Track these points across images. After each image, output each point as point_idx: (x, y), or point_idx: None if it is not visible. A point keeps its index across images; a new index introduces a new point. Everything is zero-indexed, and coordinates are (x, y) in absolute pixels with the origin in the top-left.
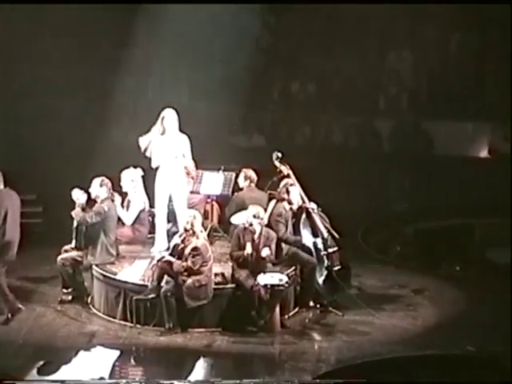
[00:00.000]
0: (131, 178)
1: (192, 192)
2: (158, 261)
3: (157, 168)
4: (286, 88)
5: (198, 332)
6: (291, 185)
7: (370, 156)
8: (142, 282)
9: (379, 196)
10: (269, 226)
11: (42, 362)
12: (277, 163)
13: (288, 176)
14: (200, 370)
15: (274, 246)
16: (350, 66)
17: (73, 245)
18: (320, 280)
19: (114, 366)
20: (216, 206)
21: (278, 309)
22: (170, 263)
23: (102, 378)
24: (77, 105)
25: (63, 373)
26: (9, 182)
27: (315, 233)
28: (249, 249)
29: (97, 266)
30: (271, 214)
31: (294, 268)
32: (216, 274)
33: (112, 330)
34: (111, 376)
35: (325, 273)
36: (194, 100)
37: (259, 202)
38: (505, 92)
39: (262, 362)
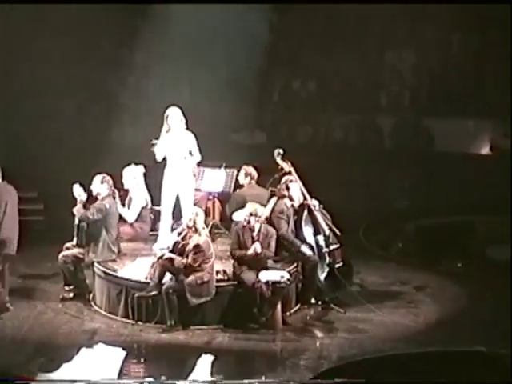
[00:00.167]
0: (133, 175)
1: (194, 189)
2: (159, 258)
3: (162, 165)
4: (287, 86)
5: (200, 329)
6: (291, 181)
7: (372, 154)
8: (143, 280)
9: (381, 193)
10: (270, 223)
11: (43, 360)
12: (278, 160)
13: (289, 173)
14: (202, 367)
15: (273, 243)
16: (350, 65)
17: (74, 242)
18: (322, 277)
19: (115, 363)
20: (217, 203)
21: (279, 306)
22: (171, 260)
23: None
24: (78, 104)
25: (65, 370)
26: (10, 179)
27: (317, 230)
28: (258, 248)
29: (98, 263)
30: (273, 211)
31: (295, 265)
32: (217, 272)
33: (113, 327)
34: (112, 373)
35: (326, 270)
36: (195, 98)
37: (260, 199)
38: (505, 89)
39: (263, 358)
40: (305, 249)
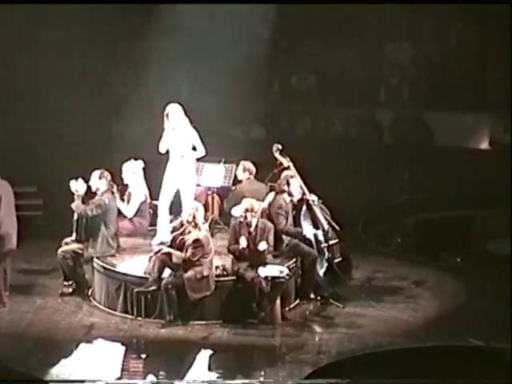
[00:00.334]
0: (133, 170)
1: None
2: (156, 253)
3: (162, 160)
4: (286, 80)
5: (199, 324)
6: (291, 177)
7: (371, 148)
8: (142, 275)
9: (379, 188)
10: (269, 218)
11: (42, 355)
12: (277, 155)
13: (288, 168)
14: (201, 362)
15: (271, 237)
16: (350, 58)
17: (73, 237)
18: (321, 272)
19: (114, 358)
20: (217, 198)
21: (278, 301)
22: (170, 255)
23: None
24: (77, 98)
25: (64, 365)
26: (9, 173)
27: (316, 225)
28: (243, 242)
29: (97, 258)
30: (271, 206)
31: (294, 260)
32: (216, 267)
33: (113, 322)
34: (111, 368)
35: (325, 265)
36: (194, 93)
37: (259, 194)
38: (505, 84)
39: (262, 354)
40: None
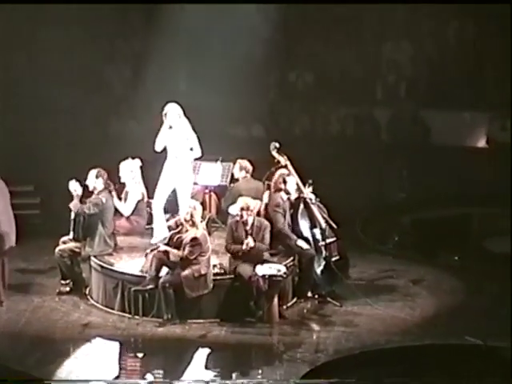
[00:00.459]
0: (130, 169)
1: None
2: (152, 250)
3: (159, 159)
4: (285, 79)
5: (197, 323)
6: (288, 175)
7: (368, 147)
8: (140, 273)
9: (377, 186)
10: (267, 216)
11: (40, 353)
12: (275, 154)
13: (286, 166)
14: (198, 360)
15: (267, 235)
16: (349, 57)
17: (71, 236)
18: (318, 270)
19: (112, 357)
20: (214, 196)
21: (276, 299)
22: (167, 253)
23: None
24: (75, 96)
25: (61, 364)
26: (6, 172)
27: (313, 223)
28: (251, 243)
29: (95, 257)
30: (269, 204)
31: (292, 258)
32: (214, 265)
33: (110, 321)
34: (109, 367)
35: (323, 263)
36: (192, 92)
37: (256, 193)
38: (503, 82)
39: (260, 352)
40: (301, 242)
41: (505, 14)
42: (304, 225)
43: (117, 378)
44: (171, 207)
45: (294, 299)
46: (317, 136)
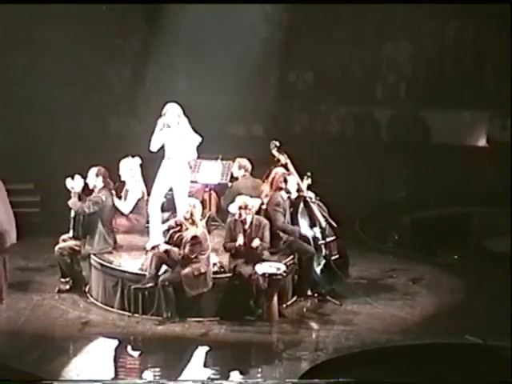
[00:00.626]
0: (130, 167)
1: (190, 181)
2: (153, 248)
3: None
4: (284, 77)
5: (196, 321)
6: (289, 174)
7: (368, 146)
8: (139, 271)
9: (377, 185)
10: (266, 215)
11: (39, 351)
12: (275, 152)
13: (286, 165)
14: (198, 359)
15: (267, 234)
16: (348, 56)
17: (70, 234)
18: (318, 269)
19: (111, 355)
20: (214, 195)
21: (275, 298)
22: (167, 251)
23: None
24: (75, 94)
25: (61, 362)
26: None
27: (313, 222)
28: (240, 240)
29: (94, 255)
30: (269, 203)
31: (291, 257)
32: (214, 264)
33: (110, 319)
34: (108, 365)
35: (323, 262)
36: (192, 90)
37: (255, 191)
38: (503, 81)
39: (259, 350)
40: (305, 231)
41: (505, 14)
42: (304, 223)
43: (116, 376)
44: (170, 205)
45: (294, 298)
46: (317, 135)
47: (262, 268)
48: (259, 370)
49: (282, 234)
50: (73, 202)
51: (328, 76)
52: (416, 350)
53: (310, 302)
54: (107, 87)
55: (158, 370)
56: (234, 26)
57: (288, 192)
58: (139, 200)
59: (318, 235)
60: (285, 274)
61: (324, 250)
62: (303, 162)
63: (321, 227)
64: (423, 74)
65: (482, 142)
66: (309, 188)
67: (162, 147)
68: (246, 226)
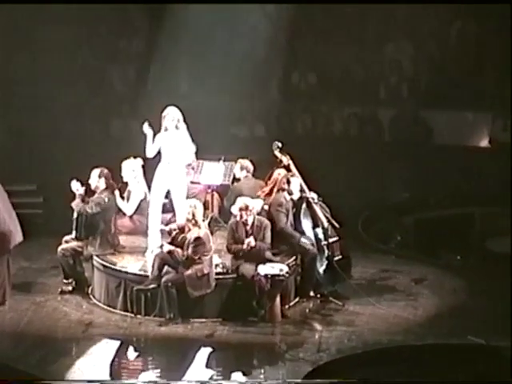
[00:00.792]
0: (132, 168)
1: (192, 182)
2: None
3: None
4: (287, 78)
5: (199, 322)
6: (292, 175)
7: (371, 146)
8: (142, 273)
9: (379, 186)
10: (269, 216)
11: (42, 353)
12: (277, 153)
13: (288, 166)
14: (200, 360)
15: (268, 234)
16: (350, 56)
17: (73, 235)
18: (320, 270)
19: (114, 356)
20: (216, 196)
21: (278, 299)
22: (170, 253)
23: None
24: (78, 96)
25: (63, 363)
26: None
27: (315, 223)
28: (252, 242)
29: (97, 256)
30: (271, 204)
31: (294, 258)
32: (216, 265)
33: (112, 320)
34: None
35: (325, 263)
36: (194, 91)
37: (257, 192)
38: (505, 83)
39: (262, 351)
40: (304, 240)
41: (505, 14)
42: (306, 224)
43: (119, 377)
44: (172, 206)
45: (297, 299)
46: (319, 136)
47: (264, 269)
48: (262, 370)
49: (284, 234)
50: (76, 203)
51: (330, 77)
52: (419, 351)
53: (313, 303)
54: (108, 88)
55: (160, 371)
56: (237, 26)
57: (290, 193)
58: (142, 201)
59: (321, 236)
60: (287, 275)
61: (326, 251)
62: (305, 163)
63: (323, 228)
64: (426, 74)
65: (485, 143)
66: (311, 189)
67: (159, 152)
68: (248, 227)
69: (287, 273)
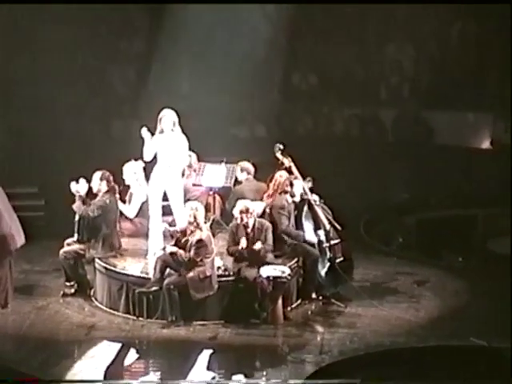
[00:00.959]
0: (133, 171)
1: (194, 184)
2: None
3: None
4: (288, 79)
5: (201, 324)
6: (295, 178)
7: (372, 146)
8: (144, 275)
9: (381, 186)
10: (271, 218)
11: (44, 355)
12: (278, 155)
13: (290, 168)
14: (203, 362)
15: (269, 236)
16: (351, 57)
17: (75, 238)
18: (322, 272)
19: (116, 359)
20: (218, 198)
21: (280, 301)
22: (172, 255)
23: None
24: (79, 98)
25: (65, 366)
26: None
27: (317, 225)
28: (243, 243)
29: (99, 259)
30: (273, 206)
31: (296, 260)
32: (218, 267)
33: (115, 323)
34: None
35: (327, 265)
36: (196, 91)
37: (258, 194)
38: (506, 84)
39: (264, 353)
40: (310, 236)
41: (505, 14)
42: (308, 226)
43: (121, 379)
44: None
45: (299, 301)
46: (320, 137)
47: (266, 271)
48: (264, 372)
49: (286, 237)
50: (77, 206)
51: (331, 77)
52: (421, 353)
53: (315, 305)
54: (109, 88)
55: (163, 373)
56: (237, 26)
57: (293, 195)
58: (143, 204)
59: (323, 238)
60: (289, 277)
61: (328, 253)
62: (307, 164)
63: (325, 230)
64: (427, 75)
65: (486, 144)
66: (312, 191)
67: (155, 156)
68: (249, 230)
69: (289, 275)
